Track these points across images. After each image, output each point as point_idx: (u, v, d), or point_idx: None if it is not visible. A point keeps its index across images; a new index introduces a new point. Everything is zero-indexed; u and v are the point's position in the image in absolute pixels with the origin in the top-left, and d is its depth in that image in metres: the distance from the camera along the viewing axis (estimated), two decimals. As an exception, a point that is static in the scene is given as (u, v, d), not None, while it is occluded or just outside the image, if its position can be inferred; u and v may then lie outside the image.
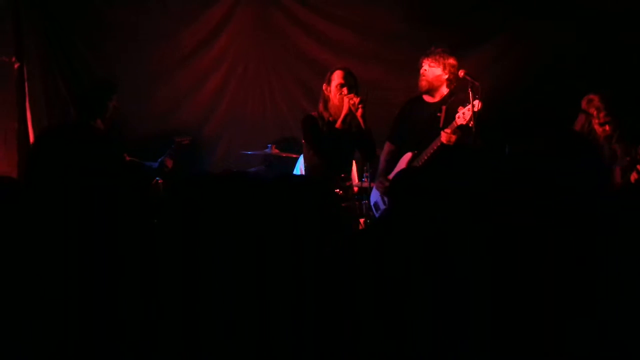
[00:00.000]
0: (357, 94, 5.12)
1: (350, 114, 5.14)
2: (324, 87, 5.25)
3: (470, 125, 4.94)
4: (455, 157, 4.95)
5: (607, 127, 5.02)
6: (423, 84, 5.28)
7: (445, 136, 5.04)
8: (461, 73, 5.13)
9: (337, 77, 5.14)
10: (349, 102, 5.09)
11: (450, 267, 2.26)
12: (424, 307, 2.20)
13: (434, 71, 5.25)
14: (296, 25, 7.06)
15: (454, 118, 5.05)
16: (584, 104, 5.13)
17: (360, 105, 5.08)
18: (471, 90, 4.95)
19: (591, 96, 5.11)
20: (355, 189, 6.52)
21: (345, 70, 5.19)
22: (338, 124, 5.14)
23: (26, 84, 6.72)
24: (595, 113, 5.05)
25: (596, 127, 5.05)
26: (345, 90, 5.13)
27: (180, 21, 7.03)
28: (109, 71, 6.70)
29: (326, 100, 5.21)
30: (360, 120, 5.14)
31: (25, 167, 2.32)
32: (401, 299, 2.22)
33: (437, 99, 5.33)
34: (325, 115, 5.21)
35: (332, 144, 5.18)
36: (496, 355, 2.19)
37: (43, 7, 6.83)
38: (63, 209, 2.06)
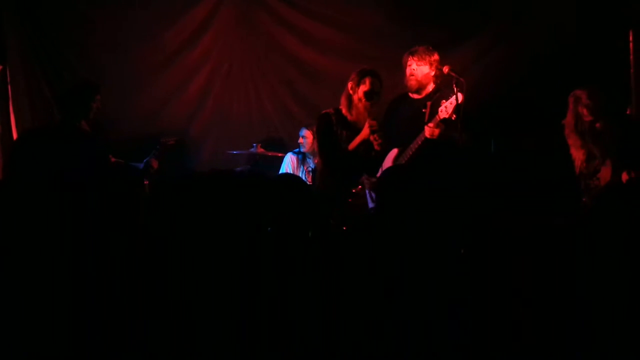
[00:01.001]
0: (378, 102, 5.14)
1: (367, 141, 5.13)
2: (349, 85, 5.22)
3: (453, 118, 4.94)
4: (439, 152, 4.97)
5: (597, 124, 5.05)
6: (412, 83, 5.28)
7: (428, 130, 5.05)
8: (446, 69, 5.14)
9: (367, 82, 5.12)
10: (369, 134, 5.07)
11: (438, 264, 2.27)
12: (412, 303, 2.21)
13: (422, 70, 5.26)
14: (280, 24, 7.05)
15: (437, 112, 5.07)
16: (571, 101, 5.16)
17: (379, 141, 5.06)
18: (456, 86, 4.96)
19: (578, 92, 5.14)
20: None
21: (375, 77, 5.16)
22: (351, 147, 5.15)
23: (9, 86, 6.69)
24: (584, 110, 5.07)
25: (586, 122, 5.07)
26: (368, 106, 5.13)
27: (164, 21, 7.01)
28: (92, 72, 6.67)
29: (350, 101, 5.19)
30: (377, 148, 5.12)
31: (6, 165, 2.28)
32: (389, 295, 2.23)
33: (422, 95, 5.34)
34: (348, 115, 5.21)
35: (335, 158, 5.21)
36: (482, 353, 2.20)
37: (25, 9, 6.79)
38: (45, 207, 2.05)
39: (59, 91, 6.55)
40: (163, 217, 2.19)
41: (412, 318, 2.18)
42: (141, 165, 5.88)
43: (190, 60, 7.10)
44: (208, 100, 7.14)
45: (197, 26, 7.06)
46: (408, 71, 5.29)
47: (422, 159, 5.03)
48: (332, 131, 5.17)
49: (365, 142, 5.17)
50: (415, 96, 5.36)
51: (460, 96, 4.94)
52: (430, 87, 5.31)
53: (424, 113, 5.23)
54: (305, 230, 2.40)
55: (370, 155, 5.20)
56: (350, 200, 5.16)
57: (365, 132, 5.11)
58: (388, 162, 5.30)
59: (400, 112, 5.40)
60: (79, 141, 2.22)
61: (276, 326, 2.12)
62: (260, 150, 6.64)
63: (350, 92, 5.19)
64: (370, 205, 5.60)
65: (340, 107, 5.23)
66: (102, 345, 2.00)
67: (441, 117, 5.03)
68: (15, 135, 6.64)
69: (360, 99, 5.15)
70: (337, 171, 5.21)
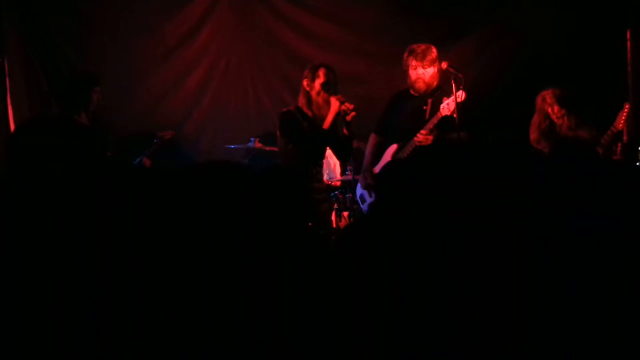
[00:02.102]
0: (335, 93, 4.99)
1: (338, 116, 5.01)
2: (304, 83, 5.06)
3: (454, 116, 4.97)
4: (439, 150, 4.98)
5: (565, 119, 5.16)
6: (421, 85, 5.27)
7: (421, 137, 5.08)
8: (444, 65, 5.16)
9: (322, 74, 4.99)
10: (340, 106, 4.95)
11: (440, 262, 2.26)
12: (413, 303, 2.21)
13: (428, 72, 5.26)
14: (278, 19, 7.06)
15: (439, 109, 5.09)
16: (538, 102, 5.27)
17: (352, 113, 4.95)
18: (454, 82, 4.98)
19: (543, 93, 5.25)
20: (339, 182, 6.54)
21: (328, 68, 5.03)
22: (326, 125, 4.98)
23: (7, 79, 6.66)
24: (550, 109, 5.18)
25: (556, 120, 5.19)
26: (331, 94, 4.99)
27: (162, 15, 7.00)
28: (90, 66, 6.63)
29: (309, 97, 5.05)
30: (346, 126, 5.04)
31: (5, 156, 2.27)
32: (391, 294, 2.22)
33: (423, 92, 5.35)
34: (309, 112, 5.05)
35: (312, 140, 5.04)
36: (484, 354, 2.20)
37: (23, 2, 6.77)
38: (43, 200, 2.04)
39: (58, 84, 6.54)
40: (159, 207, 2.18)
41: (414, 319, 2.18)
42: (135, 163, 5.87)
43: (189, 55, 7.10)
44: (206, 94, 7.15)
45: (196, 21, 7.06)
46: (414, 74, 5.27)
47: (424, 156, 5.02)
48: (298, 121, 5.01)
49: (334, 123, 5.04)
50: (416, 93, 5.37)
51: (463, 94, 4.96)
52: (433, 84, 5.32)
53: (425, 110, 5.25)
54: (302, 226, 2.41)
55: (340, 135, 5.11)
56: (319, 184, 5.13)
57: (334, 105, 4.94)
58: (387, 157, 5.32)
59: (400, 108, 5.41)
60: (77, 134, 2.20)
61: (275, 324, 2.12)
62: (258, 144, 6.64)
63: (307, 88, 5.03)
64: (363, 207, 5.61)
65: (300, 105, 5.08)
66: (99, 345, 1.99)
67: (443, 115, 5.04)
68: (12, 128, 6.62)
69: (318, 93, 4.99)
70: (312, 152, 5.06)
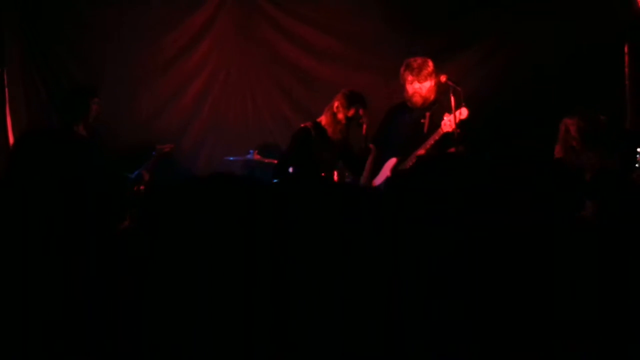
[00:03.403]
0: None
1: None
2: (335, 104, 5.38)
3: (457, 132, 4.97)
4: (440, 164, 4.99)
5: (589, 154, 5.08)
6: (417, 99, 5.30)
7: (422, 152, 5.12)
8: (443, 78, 5.17)
9: (354, 111, 5.32)
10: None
11: (439, 274, 2.27)
12: (413, 314, 2.21)
13: (425, 86, 5.27)
14: (278, 32, 7.07)
15: (438, 124, 5.10)
16: (562, 130, 5.17)
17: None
18: (453, 95, 5.00)
19: (567, 121, 5.15)
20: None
21: (364, 108, 5.33)
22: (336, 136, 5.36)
23: (6, 89, 6.67)
24: (574, 143, 5.09)
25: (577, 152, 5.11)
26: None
27: (162, 27, 7.01)
28: (89, 77, 6.67)
29: (334, 117, 5.37)
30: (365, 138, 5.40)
31: (4, 168, 2.28)
32: (389, 305, 2.23)
33: (420, 105, 5.36)
34: (329, 131, 5.40)
35: (324, 152, 5.40)
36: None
37: (24, 13, 6.79)
38: (42, 211, 2.05)
39: (58, 94, 6.56)
40: (158, 220, 2.18)
41: (413, 329, 2.18)
42: (133, 176, 5.87)
43: (188, 66, 7.11)
44: (205, 106, 7.15)
45: (196, 32, 7.07)
46: (410, 89, 5.30)
47: (423, 168, 5.04)
48: (309, 144, 5.37)
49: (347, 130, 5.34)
50: (414, 106, 5.38)
51: (465, 111, 4.98)
52: (431, 97, 5.34)
53: (423, 124, 5.26)
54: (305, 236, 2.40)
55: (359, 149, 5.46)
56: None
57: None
58: (386, 171, 5.32)
59: (398, 121, 5.42)
60: (76, 145, 2.21)
61: (275, 332, 2.12)
62: (257, 156, 6.64)
63: (335, 110, 5.33)
64: None
65: (319, 119, 5.42)
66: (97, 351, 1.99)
67: (444, 131, 5.06)
68: (11, 138, 6.62)
69: (341, 121, 5.32)
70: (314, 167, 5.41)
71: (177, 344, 1.98)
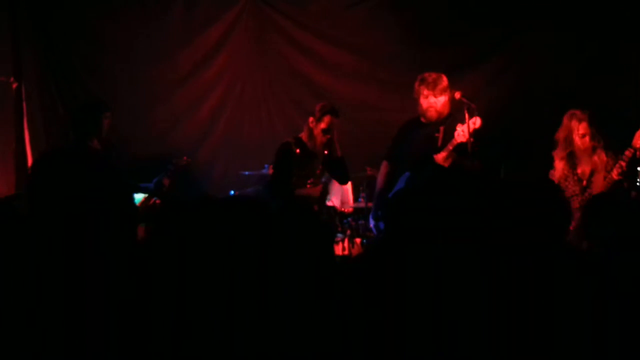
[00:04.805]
0: (331, 134, 5.56)
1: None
2: (310, 120, 5.57)
3: (471, 142, 4.96)
4: (451, 179, 4.99)
5: (586, 139, 5.40)
6: (432, 114, 5.30)
7: (440, 159, 5.10)
8: (457, 95, 5.16)
9: (325, 121, 5.50)
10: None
11: (447, 292, 2.27)
12: (422, 332, 2.21)
13: (440, 100, 5.28)
14: (293, 47, 7.11)
15: (452, 137, 5.09)
16: (565, 118, 5.47)
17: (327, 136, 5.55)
18: (467, 112, 4.99)
19: (574, 110, 5.46)
20: (351, 209, 6.55)
21: (333, 117, 5.53)
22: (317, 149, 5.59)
23: (24, 103, 6.74)
24: (575, 126, 5.40)
25: (576, 138, 5.41)
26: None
27: (178, 42, 7.06)
28: (105, 92, 6.71)
29: (310, 132, 5.59)
30: (337, 146, 5.58)
31: (25, 192, 2.32)
32: (398, 322, 2.23)
33: (435, 119, 5.36)
34: (309, 144, 5.60)
35: (306, 165, 5.64)
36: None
37: (41, 28, 6.87)
38: (63, 233, 2.08)
39: (72, 110, 6.61)
40: (169, 236, 2.20)
41: (422, 345, 2.19)
42: (151, 185, 5.89)
43: (204, 81, 7.15)
44: (220, 120, 7.19)
45: (212, 47, 7.12)
46: (425, 103, 5.29)
47: (434, 185, 5.05)
48: (288, 160, 5.62)
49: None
50: (428, 121, 5.38)
51: (479, 121, 4.98)
52: (445, 112, 5.34)
53: (437, 138, 5.26)
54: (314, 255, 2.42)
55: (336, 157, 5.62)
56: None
57: (316, 193, 5.67)
58: (400, 185, 5.32)
59: (412, 136, 5.42)
60: (91, 162, 2.24)
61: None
62: (272, 171, 6.65)
63: (311, 125, 5.58)
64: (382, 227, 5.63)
65: (301, 135, 5.65)
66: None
67: (458, 142, 5.05)
68: (29, 152, 6.69)
69: (317, 134, 5.53)
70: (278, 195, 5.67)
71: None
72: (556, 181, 5.36)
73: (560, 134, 5.49)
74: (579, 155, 5.44)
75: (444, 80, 5.28)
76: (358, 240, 6.24)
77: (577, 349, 2.21)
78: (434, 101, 5.28)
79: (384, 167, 5.58)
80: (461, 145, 5.07)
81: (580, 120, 5.39)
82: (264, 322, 2.09)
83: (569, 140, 5.44)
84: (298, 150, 5.63)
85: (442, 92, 5.27)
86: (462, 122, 5.04)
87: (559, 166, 5.50)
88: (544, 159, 5.64)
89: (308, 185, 5.65)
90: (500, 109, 6.33)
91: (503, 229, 2.50)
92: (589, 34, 6.44)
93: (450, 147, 5.11)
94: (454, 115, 5.28)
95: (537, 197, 2.54)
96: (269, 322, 2.10)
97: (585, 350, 2.21)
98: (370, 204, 5.77)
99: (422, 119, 5.39)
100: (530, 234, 2.46)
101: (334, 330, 2.21)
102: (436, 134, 5.28)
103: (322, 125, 5.50)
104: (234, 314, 2.07)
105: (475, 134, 4.98)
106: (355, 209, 6.54)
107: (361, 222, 6.26)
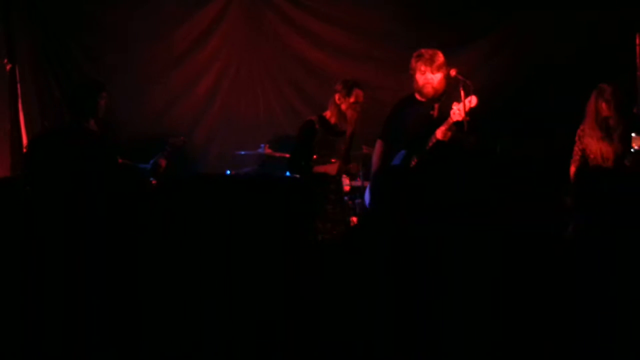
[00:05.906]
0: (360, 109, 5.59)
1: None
2: (336, 96, 5.56)
3: (467, 121, 4.95)
4: (448, 154, 5.00)
5: (612, 119, 5.30)
6: (429, 90, 5.28)
7: (440, 133, 5.08)
8: (453, 72, 5.15)
9: (354, 95, 5.52)
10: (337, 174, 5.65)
11: (437, 268, 2.28)
12: (416, 306, 2.22)
13: (437, 77, 5.26)
14: (288, 25, 7.09)
15: (448, 115, 5.08)
16: (594, 94, 5.36)
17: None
18: (463, 89, 4.98)
19: (602, 86, 5.36)
20: (348, 187, 6.55)
21: (361, 90, 5.57)
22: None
23: (18, 85, 6.70)
24: (604, 104, 5.30)
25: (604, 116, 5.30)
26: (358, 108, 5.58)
27: (173, 22, 7.03)
28: (100, 72, 6.69)
29: (338, 109, 5.57)
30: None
31: (22, 171, 2.34)
32: (390, 298, 2.24)
33: (430, 97, 5.35)
34: (333, 121, 5.61)
35: (331, 144, 5.62)
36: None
37: (34, 9, 6.82)
38: (60, 210, 2.08)
39: (68, 92, 6.58)
40: (165, 214, 2.21)
41: (417, 321, 2.19)
42: (148, 166, 5.88)
43: (199, 61, 7.13)
44: (216, 101, 7.17)
45: (206, 27, 7.09)
46: (422, 79, 5.27)
47: (431, 161, 5.07)
48: (309, 138, 5.59)
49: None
50: (422, 98, 5.37)
51: (474, 99, 4.97)
52: (441, 89, 5.33)
53: (432, 115, 5.25)
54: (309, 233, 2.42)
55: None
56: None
57: (333, 170, 5.59)
58: (396, 163, 5.32)
59: (407, 114, 5.41)
60: (88, 142, 2.24)
61: (283, 328, 2.14)
62: (268, 150, 6.65)
63: (338, 102, 5.56)
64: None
65: (324, 113, 5.64)
66: (102, 344, 2.02)
67: (454, 120, 5.04)
68: (24, 134, 6.66)
69: (347, 109, 5.54)
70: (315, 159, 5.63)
71: (181, 345, 2.01)
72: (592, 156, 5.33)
73: (589, 112, 5.39)
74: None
75: (441, 57, 5.26)
76: (354, 219, 6.24)
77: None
78: (431, 77, 5.26)
79: (379, 146, 5.57)
80: (457, 124, 5.06)
81: (608, 100, 5.30)
82: (256, 300, 2.10)
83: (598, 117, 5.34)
84: (317, 127, 5.59)
85: (439, 68, 5.25)
86: (457, 100, 5.02)
87: (594, 145, 5.37)
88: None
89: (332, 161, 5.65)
90: (497, 84, 6.33)
91: (498, 205, 2.51)
92: (585, 12, 6.41)
93: (446, 127, 5.10)
94: (449, 93, 5.27)
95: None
96: (257, 300, 2.10)
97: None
98: (366, 183, 5.76)
99: (417, 96, 5.38)
100: (525, 209, 2.47)
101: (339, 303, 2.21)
102: (431, 111, 5.28)
103: (352, 99, 5.53)
104: (231, 295, 2.08)
105: (471, 112, 4.97)
106: (352, 188, 6.54)
107: (358, 201, 6.26)
